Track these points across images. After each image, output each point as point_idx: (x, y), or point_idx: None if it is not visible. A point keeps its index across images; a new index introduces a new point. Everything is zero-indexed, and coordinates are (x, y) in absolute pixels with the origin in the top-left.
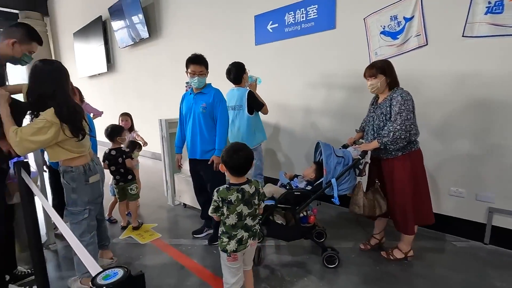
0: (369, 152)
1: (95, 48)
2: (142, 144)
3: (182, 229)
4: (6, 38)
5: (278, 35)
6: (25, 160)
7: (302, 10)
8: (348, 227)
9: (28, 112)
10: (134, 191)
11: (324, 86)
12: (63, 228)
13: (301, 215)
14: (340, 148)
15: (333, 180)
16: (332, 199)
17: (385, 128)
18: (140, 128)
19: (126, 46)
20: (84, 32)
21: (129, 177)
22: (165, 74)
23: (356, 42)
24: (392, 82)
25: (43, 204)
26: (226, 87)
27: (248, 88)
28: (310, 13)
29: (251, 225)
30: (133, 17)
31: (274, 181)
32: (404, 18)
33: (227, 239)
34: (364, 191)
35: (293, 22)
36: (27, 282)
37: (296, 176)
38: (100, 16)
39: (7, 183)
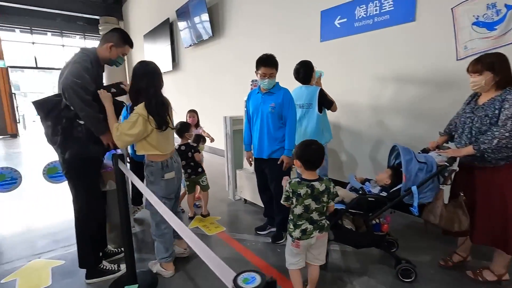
0: (458, 159)
1: (162, 48)
2: (209, 140)
3: (244, 224)
4: (105, 43)
5: (346, 30)
6: (120, 152)
7: (376, 3)
8: (422, 239)
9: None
10: (205, 182)
11: (396, 84)
12: (167, 214)
13: (373, 222)
14: (419, 153)
15: (414, 188)
16: (411, 208)
17: (488, 133)
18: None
19: (190, 46)
20: (152, 34)
21: (199, 169)
22: (226, 72)
23: (440, 35)
24: (503, 81)
25: (140, 188)
26: (287, 84)
27: (315, 85)
28: (385, 5)
29: (317, 219)
30: (198, 17)
31: (336, 183)
32: (506, 5)
33: (293, 227)
34: (445, 202)
35: (365, 16)
36: (115, 259)
37: (368, 180)
38: (168, 19)
39: (101, 172)
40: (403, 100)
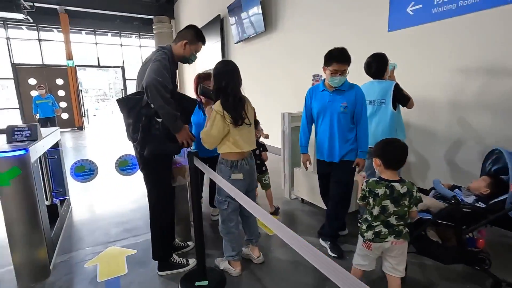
0: None
1: (211, 45)
2: (263, 137)
3: (304, 225)
4: (180, 40)
5: (421, 18)
6: (195, 150)
7: None
8: None
9: None
10: (267, 181)
11: (486, 76)
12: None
13: (467, 236)
14: None
15: None
16: None
17: None
18: None
19: (240, 41)
20: (203, 30)
21: (263, 168)
22: (278, 67)
23: None
24: None
25: (218, 183)
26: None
27: (388, 79)
28: None
29: (393, 224)
30: (250, 12)
31: None
32: None
33: (366, 228)
34: None
35: (446, 0)
36: (182, 253)
37: (457, 187)
38: (219, 15)
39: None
40: (494, 95)
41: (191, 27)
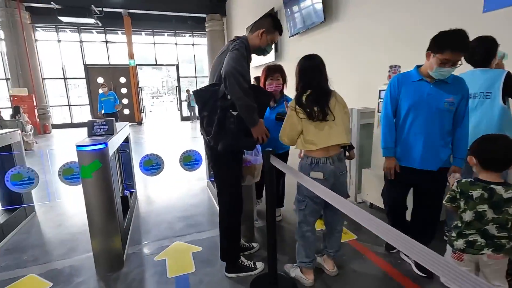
0: None
1: None
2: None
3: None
4: (257, 29)
5: None
6: (271, 149)
7: None
8: None
9: None
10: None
11: None
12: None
13: None
14: None
15: None
16: None
17: None
18: None
19: (295, 34)
20: None
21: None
22: (339, 59)
23: None
24: None
25: (299, 180)
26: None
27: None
28: None
29: (494, 235)
30: (307, 2)
31: None
32: None
33: (456, 235)
34: None
35: None
36: (248, 255)
37: None
38: (273, 8)
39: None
40: None
41: (268, 16)
